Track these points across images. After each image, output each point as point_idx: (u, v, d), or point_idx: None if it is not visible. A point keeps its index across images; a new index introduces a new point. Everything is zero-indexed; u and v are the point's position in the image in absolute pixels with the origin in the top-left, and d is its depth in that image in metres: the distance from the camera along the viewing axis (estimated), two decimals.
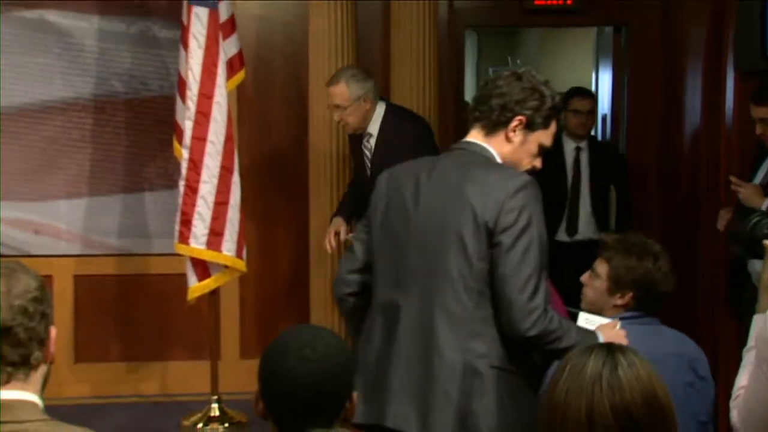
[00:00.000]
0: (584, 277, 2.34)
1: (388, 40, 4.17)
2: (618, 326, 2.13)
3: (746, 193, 3.34)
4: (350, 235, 3.69)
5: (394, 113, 3.67)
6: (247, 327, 4.42)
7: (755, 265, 3.32)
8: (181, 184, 3.78)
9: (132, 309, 4.38)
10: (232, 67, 3.91)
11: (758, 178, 3.48)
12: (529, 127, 2.09)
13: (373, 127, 3.64)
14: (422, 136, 3.60)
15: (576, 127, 4.29)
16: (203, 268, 3.82)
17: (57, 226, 4.34)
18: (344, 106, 3.56)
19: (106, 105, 4.32)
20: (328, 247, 3.71)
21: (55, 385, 1.57)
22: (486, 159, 2.09)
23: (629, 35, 4.70)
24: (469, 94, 6.03)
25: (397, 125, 3.61)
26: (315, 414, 1.48)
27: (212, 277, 3.84)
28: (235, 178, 3.82)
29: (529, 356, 2.03)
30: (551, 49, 7.16)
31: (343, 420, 1.52)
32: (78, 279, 4.33)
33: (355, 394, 1.53)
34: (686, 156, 4.37)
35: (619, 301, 2.27)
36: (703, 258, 4.08)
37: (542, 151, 2.14)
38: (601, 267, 2.29)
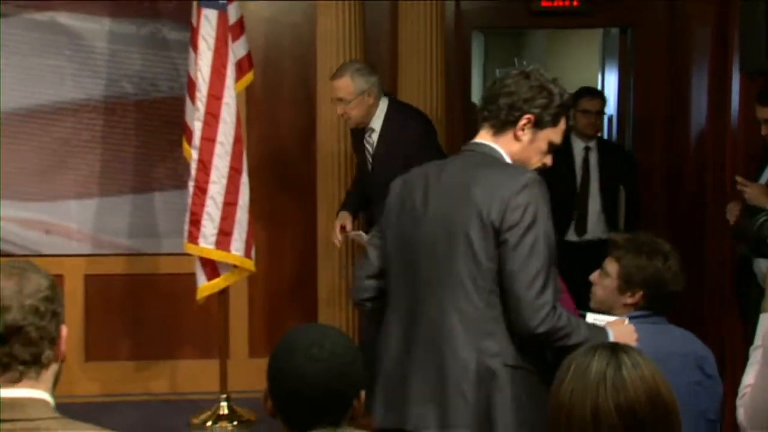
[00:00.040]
0: (594, 276, 2.35)
1: (395, 41, 4.19)
2: (626, 323, 2.13)
3: (752, 192, 3.35)
4: (352, 232, 3.72)
5: (398, 109, 3.68)
6: (255, 326, 4.43)
7: (761, 265, 3.33)
8: (191, 184, 3.80)
9: (142, 308, 4.40)
10: (241, 69, 3.93)
11: (764, 178, 3.48)
12: (538, 125, 2.08)
13: (376, 122, 3.65)
14: (427, 133, 3.62)
15: (585, 127, 4.29)
16: (212, 268, 3.84)
17: (68, 226, 4.35)
18: (348, 100, 3.57)
19: (117, 106, 4.34)
20: (336, 240, 3.73)
21: (65, 384, 1.58)
22: (494, 159, 2.09)
23: (635, 36, 4.71)
24: (476, 95, 6.05)
25: (402, 122, 3.61)
26: (323, 413, 1.48)
27: (221, 277, 3.87)
28: (244, 179, 3.84)
29: (543, 354, 2.02)
30: (557, 50, 7.17)
31: (351, 419, 1.52)
32: (88, 278, 4.35)
33: (362, 393, 1.53)
34: (692, 156, 4.38)
35: (629, 300, 2.27)
36: (709, 258, 4.09)
37: (552, 149, 2.14)
38: (611, 266, 2.29)
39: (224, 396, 3.99)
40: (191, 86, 3.88)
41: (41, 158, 4.32)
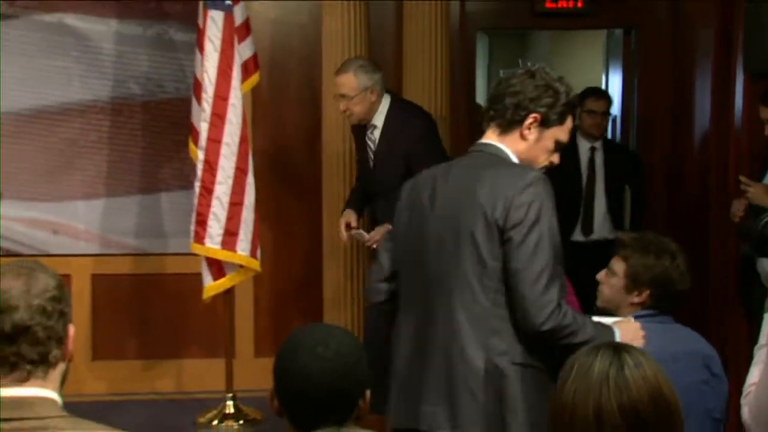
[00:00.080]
0: (600, 275, 2.35)
1: (400, 42, 4.20)
2: (632, 322, 2.13)
3: (756, 192, 3.36)
4: (353, 231, 3.73)
5: (400, 107, 3.69)
6: (261, 325, 4.45)
7: (764, 264, 3.35)
8: (197, 185, 3.82)
9: (148, 308, 4.41)
10: (246, 70, 3.95)
11: (767, 178, 3.50)
12: (544, 124, 2.09)
13: (378, 119, 3.66)
14: (429, 130, 3.63)
15: (591, 127, 4.29)
16: (218, 268, 3.86)
17: (75, 226, 4.37)
18: (350, 96, 3.58)
19: (123, 107, 4.35)
20: (342, 236, 3.73)
21: (73, 383, 1.57)
22: (500, 159, 2.10)
23: (639, 37, 4.71)
24: (481, 95, 6.06)
25: (404, 119, 3.62)
26: (328, 412, 1.49)
27: (227, 277, 3.88)
28: (250, 179, 3.85)
29: (552, 352, 2.00)
30: (561, 51, 7.18)
31: (357, 418, 1.53)
32: (96, 278, 4.36)
33: (368, 393, 1.53)
34: (695, 157, 4.38)
35: (636, 299, 2.27)
36: (713, 258, 4.09)
37: (559, 147, 2.14)
38: (618, 265, 2.30)
39: (230, 395, 4.01)
40: (197, 87, 3.90)
41: (48, 159, 4.34)
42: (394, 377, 2.13)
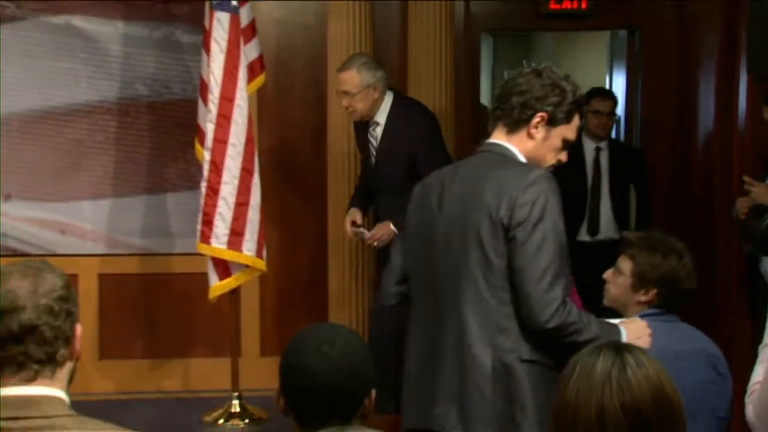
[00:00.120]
0: (607, 274, 2.35)
1: (405, 43, 4.21)
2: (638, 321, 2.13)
3: (759, 192, 3.37)
4: (356, 229, 3.74)
5: (403, 104, 3.70)
6: (266, 325, 4.46)
7: (767, 265, 3.36)
8: (203, 185, 3.84)
9: (155, 307, 4.43)
10: (252, 71, 3.96)
11: None
12: (551, 122, 2.09)
13: (381, 117, 3.67)
14: (431, 128, 3.65)
15: (596, 127, 4.28)
16: (224, 268, 3.88)
17: (82, 226, 4.39)
18: (353, 93, 3.59)
19: (130, 108, 4.37)
20: (348, 231, 3.74)
21: (80, 382, 1.59)
22: (507, 159, 2.10)
23: (643, 39, 4.71)
24: (485, 96, 6.08)
25: (407, 116, 3.63)
26: (333, 411, 1.49)
27: (233, 276, 3.90)
28: (256, 180, 3.87)
29: (558, 348, 1.99)
30: (565, 52, 7.18)
31: (362, 417, 1.53)
32: (102, 278, 4.38)
33: (373, 392, 1.54)
34: (699, 158, 4.39)
35: (643, 298, 2.28)
36: (717, 258, 4.11)
37: (567, 145, 2.14)
38: (625, 264, 2.30)
39: (236, 394, 4.02)
40: (204, 88, 3.92)
41: (56, 159, 4.35)
42: (406, 378, 2.14)
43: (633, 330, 2.06)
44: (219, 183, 3.81)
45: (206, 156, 3.84)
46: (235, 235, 3.83)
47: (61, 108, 4.34)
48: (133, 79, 4.37)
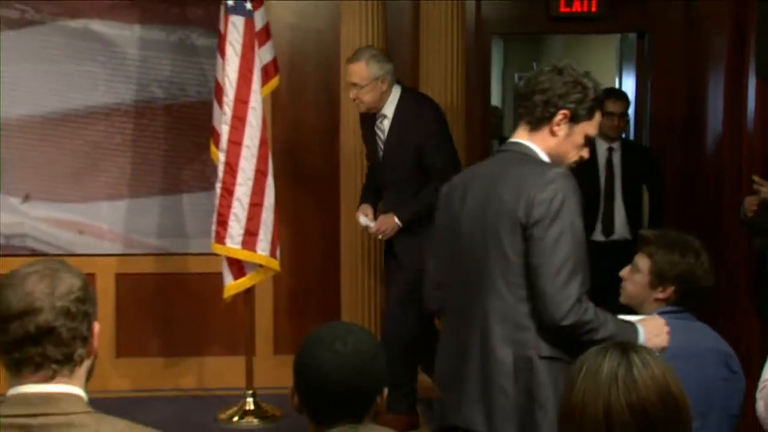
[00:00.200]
0: (624, 272, 2.34)
1: (417, 45, 4.24)
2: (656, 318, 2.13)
3: None
4: (363, 219, 3.75)
5: (411, 97, 3.73)
6: (280, 324, 4.48)
7: None
8: (218, 186, 3.88)
9: (171, 306, 4.46)
10: (267, 74, 4.00)
11: None
12: (574, 119, 2.09)
13: (388, 109, 3.70)
14: (439, 121, 3.68)
15: (609, 128, 4.25)
16: (239, 267, 3.91)
17: (100, 226, 4.42)
18: (361, 85, 3.62)
19: (147, 110, 4.41)
20: (362, 220, 3.75)
21: (97, 379, 1.60)
22: (528, 158, 2.10)
23: (652, 41, 4.72)
24: (496, 98, 6.12)
25: (415, 109, 3.66)
26: (345, 408, 1.51)
27: (247, 276, 3.93)
28: (270, 181, 3.90)
29: (577, 345, 1.93)
30: (575, 54, 7.21)
31: (374, 415, 1.55)
32: (120, 277, 4.41)
33: (385, 391, 1.55)
34: (709, 159, 4.39)
35: (660, 295, 2.27)
36: (727, 258, 4.12)
37: (588, 142, 2.14)
38: (643, 262, 2.29)
39: (250, 392, 4.05)
40: (219, 91, 3.95)
41: (74, 161, 4.40)
42: (437, 377, 2.18)
43: (651, 328, 2.05)
44: (234, 184, 3.85)
45: (221, 157, 3.87)
46: (250, 236, 3.87)
47: (80, 110, 4.38)
48: (150, 82, 4.40)
